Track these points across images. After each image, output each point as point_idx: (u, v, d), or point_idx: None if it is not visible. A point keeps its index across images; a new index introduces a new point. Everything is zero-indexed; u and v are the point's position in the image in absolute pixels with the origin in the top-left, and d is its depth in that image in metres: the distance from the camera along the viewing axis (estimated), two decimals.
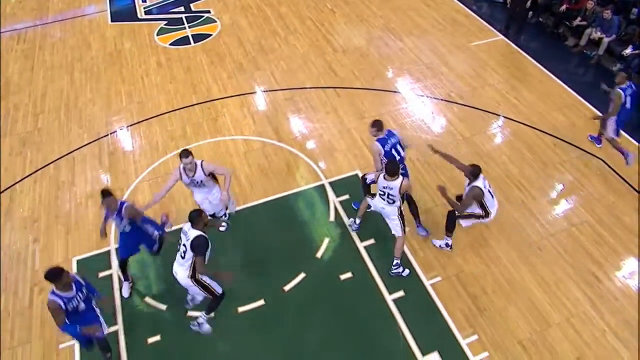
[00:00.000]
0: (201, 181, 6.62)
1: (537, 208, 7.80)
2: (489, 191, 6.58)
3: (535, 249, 7.24)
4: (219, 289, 5.98)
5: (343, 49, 11.50)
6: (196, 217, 5.68)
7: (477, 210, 6.66)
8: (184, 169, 6.50)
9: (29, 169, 8.98)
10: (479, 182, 6.42)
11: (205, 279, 5.86)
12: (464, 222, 6.90)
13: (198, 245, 5.60)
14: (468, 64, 10.89)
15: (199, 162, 6.53)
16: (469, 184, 6.55)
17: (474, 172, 6.45)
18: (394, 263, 6.92)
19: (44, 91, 10.92)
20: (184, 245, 5.73)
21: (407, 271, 6.97)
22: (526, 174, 8.32)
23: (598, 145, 8.72)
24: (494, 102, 9.81)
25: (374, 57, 11.27)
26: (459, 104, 9.82)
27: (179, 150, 6.54)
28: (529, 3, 11.71)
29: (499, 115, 9.51)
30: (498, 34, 11.84)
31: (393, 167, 6.29)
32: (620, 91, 7.83)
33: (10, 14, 13.86)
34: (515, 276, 6.92)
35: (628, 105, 7.98)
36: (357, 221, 7.42)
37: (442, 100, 9.96)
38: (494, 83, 10.32)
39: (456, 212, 6.78)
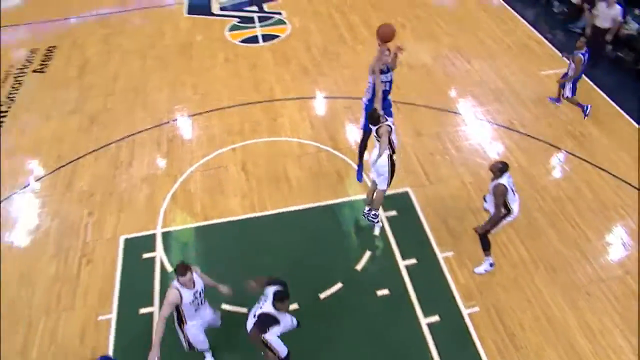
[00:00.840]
0: (202, 289, 5.53)
1: (590, 250, 7.46)
2: (512, 189, 6.52)
3: (584, 293, 6.91)
4: (282, 352, 5.50)
5: (409, 63, 11.41)
6: (283, 298, 5.26)
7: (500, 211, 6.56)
8: (182, 286, 5.29)
9: (94, 146, 9.44)
10: (503, 180, 6.39)
11: (270, 341, 5.41)
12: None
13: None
14: (535, 93, 10.56)
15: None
16: (492, 180, 6.51)
17: (502, 168, 6.43)
18: (373, 213, 7.45)
19: (116, 74, 11.47)
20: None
21: (380, 225, 7.63)
22: (582, 214, 7.97)
23: (557, 104, 10.02)
24: (557, 135, 9.47)
25: (438, 75, 11.14)
26: (520, 132, 9.55)
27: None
28: (610, 36, 11.13)
29: (560, 149, 9.17)
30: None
31: (374, 115, 6.97)
32: (581, 55, 9.14)
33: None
34: (558, 317, 6.63)
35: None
36: (367, 209, 7.58)
37: (502, 126, 9.71)
38: (560, 115, 9.96)
39: (488, 227, 6.72)
